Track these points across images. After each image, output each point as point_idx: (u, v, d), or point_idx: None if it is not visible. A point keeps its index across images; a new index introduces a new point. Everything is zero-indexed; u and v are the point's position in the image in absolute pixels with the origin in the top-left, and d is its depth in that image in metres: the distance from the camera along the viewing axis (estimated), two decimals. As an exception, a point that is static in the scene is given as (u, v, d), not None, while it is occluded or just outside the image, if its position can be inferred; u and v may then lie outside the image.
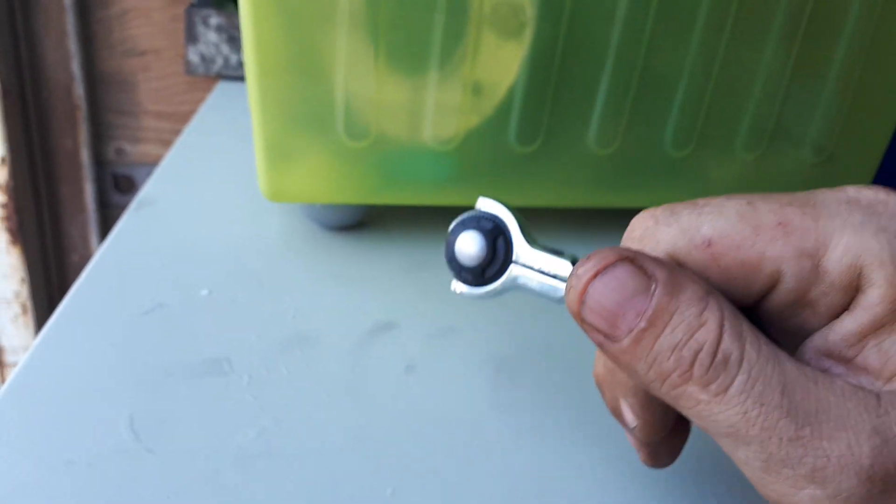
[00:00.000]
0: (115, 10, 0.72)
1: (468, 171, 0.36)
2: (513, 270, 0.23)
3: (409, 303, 0.35)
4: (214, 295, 0.34)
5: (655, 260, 0.17)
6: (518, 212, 0.23)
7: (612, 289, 0.17)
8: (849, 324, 0.17)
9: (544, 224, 0.42)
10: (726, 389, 0.16)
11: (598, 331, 0.17)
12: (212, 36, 0.67)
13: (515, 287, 0.23)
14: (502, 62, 0.33)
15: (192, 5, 0.67)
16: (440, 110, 0.34)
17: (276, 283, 0.35)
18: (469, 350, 0.32)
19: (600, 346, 0.18)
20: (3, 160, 0.69)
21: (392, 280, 0.37)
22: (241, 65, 0.67)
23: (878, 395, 0.16)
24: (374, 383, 0.30)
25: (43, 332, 0.31)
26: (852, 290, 0.17)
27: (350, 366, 0.30)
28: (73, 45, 0.71)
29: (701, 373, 0.16)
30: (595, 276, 0.17)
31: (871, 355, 0.17)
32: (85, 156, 0.75)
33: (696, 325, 0.16)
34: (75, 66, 0.72)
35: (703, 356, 0.16)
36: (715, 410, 0.16)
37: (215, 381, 0.29)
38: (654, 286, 0.17)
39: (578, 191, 0.38)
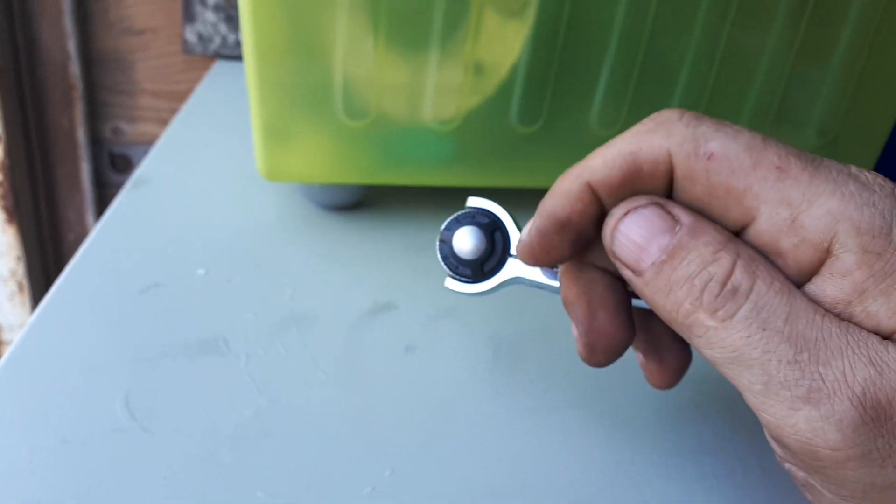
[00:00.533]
0: (112, -13, 0.71)
1: (469, 152, 0.36)
2: (511, 263, 0.23)
3: (408, 283, 0.34)
4: (211, 274, 0.34)
5: (683, 208, 0.19)
6: (508, 210, 0.23)
7: (639, 225, 0.19)
8: (832, 291, 0.18)
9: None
10: (732, 316, 0.17)
11: (627, 265, 0.19)
12: (209, 15, 0.66)
13: (514, 281, 0.23)
14: (504, 42, 0.33)
15: (190, -17, 0.66)
16: (441, 90, 0.33)
17: (274, 263, 0.35)
18: (468, 331, 0.32)
19: (630, 282, 0.19)
20: (-1, 139, 0.68)
21: (391, 261, 0.36)
22: (238, 44, 0.67)
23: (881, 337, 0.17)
24: (372, 364, 0.29)
25: (38, 310, 0.31)
26: (822, 252, 0.18)
27: (348, 346, 0.30)
28: (69, 23, 0.71)
29: (710, 300, 0.18)
30: (626, 214, 0.19)
31: (862, 322, 0.17)
32: (81, 135, 0.74)
33: (710, 260, 0.18)
34: (71, 46, 0.71)
35: (713, 285, 0.18)
36: (721, 336, 0.17)
37: (212, 360, 0.29)
38: (678, 227, 0.18)
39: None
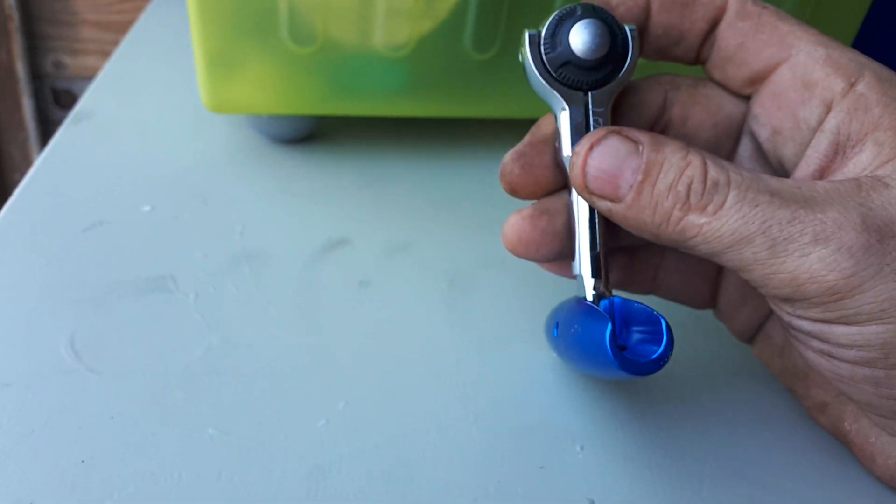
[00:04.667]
0: None
1: (422, 80, 0.34)
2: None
3: (361, 218, 0.34)
4: (157, 211, 0.33)
5: (639, 130, 0.20)
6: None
7: (608, 155, 0.20)
8: (852, 125, 0.19)
9: (502, 134, 0.41)
10: (722, 205, 0.18)
11: (604, 196, 0.20)
12: (151, -62, 0.63)
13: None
14: (456, -38, 0.31)
15: None
16: (391, 13, 0.32)
17: (222, 198, 0.34)
18: (422, 265, 0.31)
19: (609, 213, 0.20)
20: (-68, 74, 0.64)
21: (344, 195, 0.35)
22: (183, -30, 0.63)
23: (858, 182, 0.19)
24: (326, 299, 0.29)
25: (-25, 251, 0.30)
26: (849, 84, 0.19)
27: (301, 282, 0.30)
28: (0, -52, 0.66)
29: (696, 200, 0.19)
30: (591, 148, 0.20)
31: (863, 159, 0.19)
32: (21, 69, 0.71)
33: (683, 165, 0.19)
34: (4, -28, 0.67)
35: (696, 186, 0.19)
36: (716, 226, 0.18)
37: (160, 298, 0.28)
38: (641, 147, 0.19)
39: (538, 100, 0.36)
